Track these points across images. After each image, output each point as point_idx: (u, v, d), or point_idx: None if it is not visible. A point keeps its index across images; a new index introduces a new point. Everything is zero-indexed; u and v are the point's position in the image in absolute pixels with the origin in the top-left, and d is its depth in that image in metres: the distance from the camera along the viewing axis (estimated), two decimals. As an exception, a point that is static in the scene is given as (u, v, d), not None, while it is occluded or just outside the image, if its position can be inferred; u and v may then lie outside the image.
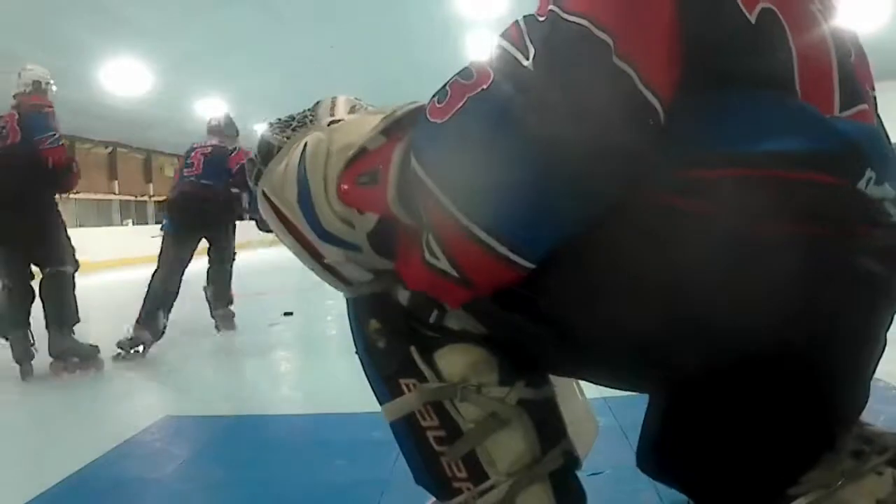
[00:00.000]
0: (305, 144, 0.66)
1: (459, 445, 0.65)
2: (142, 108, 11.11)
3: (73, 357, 2.59)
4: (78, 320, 2.67)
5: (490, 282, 0.55)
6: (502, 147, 0.50)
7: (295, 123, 0.71)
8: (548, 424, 0.68)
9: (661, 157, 0.51)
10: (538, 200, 0.51)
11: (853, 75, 0.60)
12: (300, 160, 0.65)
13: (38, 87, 2.82)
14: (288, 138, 0.69)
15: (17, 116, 2.66)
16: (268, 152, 0.70)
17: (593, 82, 0.48)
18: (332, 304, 4.12)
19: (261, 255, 9.58)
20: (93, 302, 4.07)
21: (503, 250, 0.52)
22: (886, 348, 0.59)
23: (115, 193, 14.52)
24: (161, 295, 3.12)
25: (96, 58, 8.82)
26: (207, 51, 9.22)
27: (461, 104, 0.52)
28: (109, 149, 14.19)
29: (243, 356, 3.07)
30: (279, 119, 0.73)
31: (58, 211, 2.73)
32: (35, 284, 2.68)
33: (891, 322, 0.58)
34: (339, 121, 0.69)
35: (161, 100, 10.91)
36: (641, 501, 1.12)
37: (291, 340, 3.45)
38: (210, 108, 12.04)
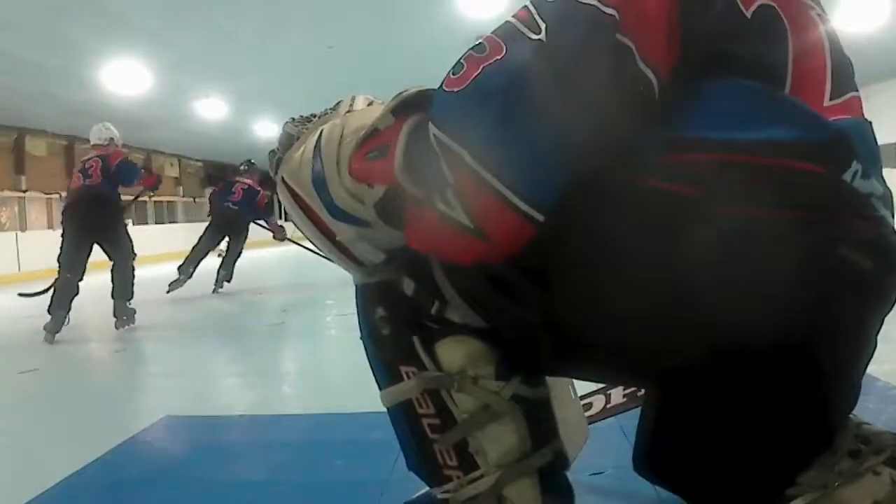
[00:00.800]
0: (321, 131, 0.69)
1: (452, 434, 0.68)
2: (142, 108, 11.09)
3: (126, 317, 3.82)
4: (132, 295, 3.91)
5: (502, 233, 0.57)
6: (517, 108, 0.54)
7: (315, 118, 0.74)
8: (540, 423, 0.70)
9: (653, 140, 0.54)
10: (548, 156, 0.54)
11: (846, 68, 0.62)
12: (316, 145, 0.68)
13: (112, 143, 4.08)
14: (306, 129, 0.72)
15: (100, 163, 3.89)
16: (288, 143, 0.73)
17: (596, 53, 0.53)
18: (332, 304, 4.13)
19: (261, 255, 9.58)
20: (90, 302, 4.08)
21: (517, 201, 0.54)
22: (886, 348, 0.59)
23: (115, 193, 14.49)
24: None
25: (96, 58, 8.81)
26: (207, 51, 9.21)
27: (478, 73, 0.55)
28: (109, 149, 14.19)
29: (243, 356, 3.07)
30: (301, 115, 0.76)
31: (125, 224, 4.05)
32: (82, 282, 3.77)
33: (881, 324, 0.59)
34: None
35: (161, 100, 10.90)
36: (641, 501, 1.12)
37: (291, 340, 3.45)
38: (210, 107, 12.09)
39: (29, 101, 9.91)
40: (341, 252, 0.69)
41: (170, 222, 15.56)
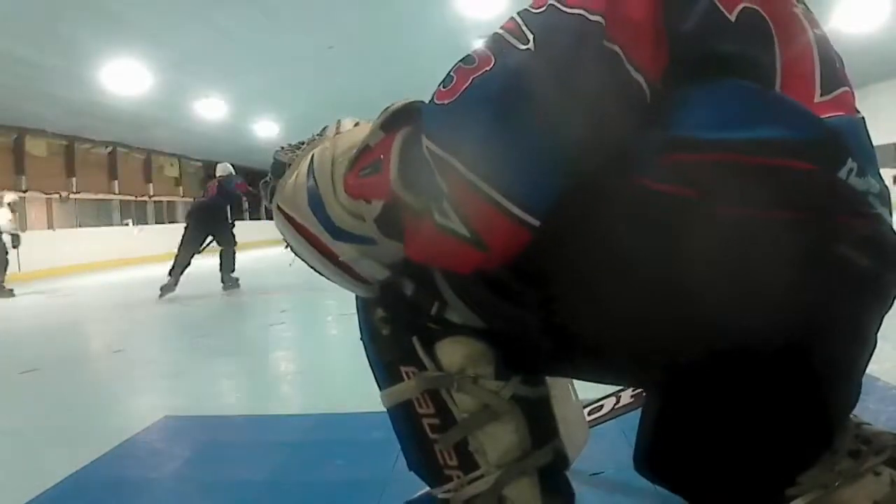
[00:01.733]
0: (313, 155, 0.70)
1: (452, 434, 0.68)
2: (142, 108, 11.11)
3: (230, 283, 5.75)
4: (234, 269, 5.84)
5: (498, 240, 0.57)
6: (508, 117, 0.54)
7: (304, 145, 0.74)
8: (540, 422, 0.70)
9: (649, 142, 0.55)
10: (541, 162, 0.55)
11: (834, 64, 0.63)
12: (309, 168, 0.69)
13: (229, 173, 6.11)
14: (297, 156, 0.73)
15: (217, 184, 5.93)
16: (280, 171, 0.73)
17: (585, 60, 0.54)
18: (333, 305, 4.13)
19: (261, 256, 9.57)
20: (91, 302, 4.08)
21: (511, 206, 0.55)
22: (886, 348, 0.59)
23: (114, 193, 14.52)
24: None
25: (96, 58, 8.83)
26: (207, 51, 9.22)
27: (467, 84, 0.56)
28: (109, 149, 14.20)
29: (243, 356, 3.07)
30: (290, 144, 0.77)
31: (231, 223, 6.05)
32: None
33: (880, 323, 0.59)
34: None
35: (161, 100, 10.91)
36: (641, 501, 1.12)
37: (291, 340, 3.45)
38: (210, 107, 12.10)
39: (29, 101, 9.91)
40: (344, 272, 0.69)
41: (169, 222, 15.56)
